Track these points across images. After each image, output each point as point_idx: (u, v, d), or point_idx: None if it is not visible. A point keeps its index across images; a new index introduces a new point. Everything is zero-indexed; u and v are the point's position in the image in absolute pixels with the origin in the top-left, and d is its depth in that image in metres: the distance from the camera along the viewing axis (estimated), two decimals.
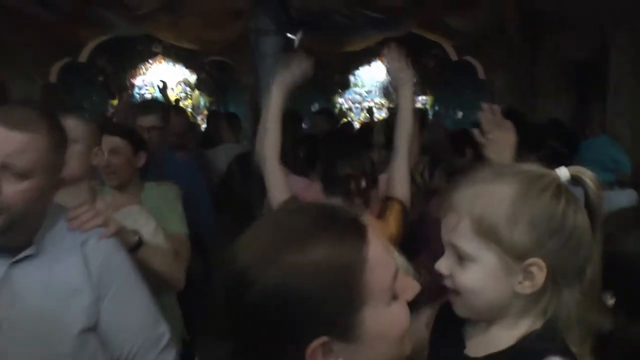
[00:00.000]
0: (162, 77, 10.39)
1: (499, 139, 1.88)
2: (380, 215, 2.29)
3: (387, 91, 10.17)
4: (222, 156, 4.97)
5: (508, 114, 3.57)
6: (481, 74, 10.03)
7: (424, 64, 10.48)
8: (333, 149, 2.45)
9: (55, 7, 6.90)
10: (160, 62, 10.39)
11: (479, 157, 2.60)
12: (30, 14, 7.21)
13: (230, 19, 7.87)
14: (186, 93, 10.61)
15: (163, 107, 3.56)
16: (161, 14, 7.53)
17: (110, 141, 2.34)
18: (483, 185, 1.05)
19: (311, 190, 2.54)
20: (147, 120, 3.08)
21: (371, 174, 2.29)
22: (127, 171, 2.45)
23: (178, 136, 3.76)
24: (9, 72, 8.72)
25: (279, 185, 2.33)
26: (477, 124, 1.95)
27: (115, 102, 10.27)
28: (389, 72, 2.55)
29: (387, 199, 2.32)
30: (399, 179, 2.34)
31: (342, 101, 10.82)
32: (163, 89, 5.99)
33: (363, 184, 2.21)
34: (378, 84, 10.87)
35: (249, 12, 6.93)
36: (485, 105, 1.95)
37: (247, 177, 3.65)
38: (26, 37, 8.30)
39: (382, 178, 2.45)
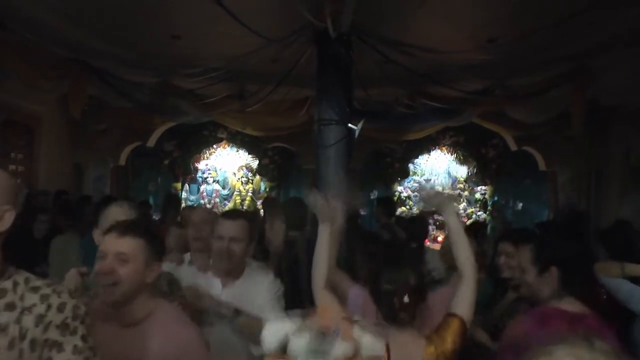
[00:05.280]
0: (226, 162, 10.78)
1: None
2: (438, 330, 2.27)
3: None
4: None
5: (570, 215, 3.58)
6: (542, 165, 9.95)
7: (483, 154, 10.48)
8: (379, 262, 2.47)
9: (134, 97, 7.29)
10: (225, 147, 10.71)
11: None
12: (110, 103, 7.66)
13: (295, 108, 8.12)
14: (247, 178, 10.84)
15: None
16: (229, 102, 7.86)
17: None
18: None
19: (362, 300, 2.59)
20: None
21: (418, 288, 2.27)
22: None
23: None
24: (87, 155, 9.23)
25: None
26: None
27: (178, 185, 10.59)
28: (427, 203, 2.63)
29: (448, 315, 2.31)
30: (462, 298, 2.35)
31: (401, 189, 10.82)
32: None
33: (406, 299, 2.20)
34: (437, 172, 10.88)
35: (313, 102, 7.19)
36: None
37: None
38: (103, 124, 8.83)
39: (443, 292, 2.49)
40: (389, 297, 2.23)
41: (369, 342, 1.48)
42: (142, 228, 2.21)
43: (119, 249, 2.09)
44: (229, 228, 2.90)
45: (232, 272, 2.92)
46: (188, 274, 3.04)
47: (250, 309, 2.76)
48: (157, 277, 2.23)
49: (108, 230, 2.19)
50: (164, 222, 6.37)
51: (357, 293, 2.74)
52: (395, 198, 10.35)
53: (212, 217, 3.28)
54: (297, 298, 3.50)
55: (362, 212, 9.07)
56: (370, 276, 2.40)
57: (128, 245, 2.10)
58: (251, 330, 2.60)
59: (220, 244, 2.86)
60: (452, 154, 10.72)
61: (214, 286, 2.90)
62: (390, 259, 2.51)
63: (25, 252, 5.56)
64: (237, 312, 2.65)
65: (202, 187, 10.81)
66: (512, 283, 3.22)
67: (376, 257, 2.87)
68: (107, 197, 6.76)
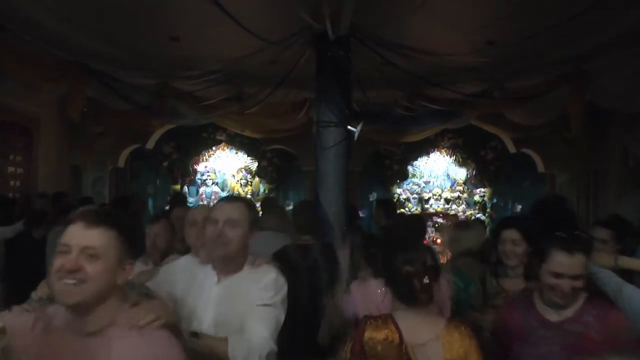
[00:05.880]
0: (224, 164, 10.78)
1: None
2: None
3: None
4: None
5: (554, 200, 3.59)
6: (540, 167, 9.94)
7: (482, 156, 10.48)
8: (392, 247, 2.45)
9: (132, 99, 7.28)
10: (224, 150, 10.70)
11: None
12: (108, 105, 7.65)
13: (294, 110, 8.12)
14: (247, 180, 10.83)
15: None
16: (228, 105, 7.86)
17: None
18: None
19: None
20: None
21: (433, 267, 2.30)
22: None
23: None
24: (86, 157, 9.21)
25: None
26: None
27: (177, 187, 10.58)
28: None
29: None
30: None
31: (400, 191, 10.81)
32: None
33: (426, 280, 2.23)
34: (436, 175, 10.88)
35: (312, 104, 7.19)
36: None
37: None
38: (102, 126, 8.82)
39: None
40: (409, 279, 2.24)
41: None
42: (114, 218, 1.85)
43: (86, 243, 1.74)
44: (224, 210, 2.59)
45: (228, 263, 2.60)
46: (186, 265, 2.79)
47: (237, 309, 2.50)
48: (128, 281, 1.91)
49: (72, 220, 1.82)
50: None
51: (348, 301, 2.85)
52: (395, 200, 10.34)
53: None
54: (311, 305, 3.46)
55: (362, 214, 9.07)
56: (386, 261, 2.38)
57: (98, 238, 1.77)
58: (213, 352, 2.32)
59: (214, 228, 2.54)
60: (451, 156, 10.72)
61: (209, 279, 2.60)
62: (405, 243, 2.52)
63: (25, 253, 5.59)
64: (195, 334, 2.30)
65: (201, 189, 10.81)
66: (522, 272, 3.12)
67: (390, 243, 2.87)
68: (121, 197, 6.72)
